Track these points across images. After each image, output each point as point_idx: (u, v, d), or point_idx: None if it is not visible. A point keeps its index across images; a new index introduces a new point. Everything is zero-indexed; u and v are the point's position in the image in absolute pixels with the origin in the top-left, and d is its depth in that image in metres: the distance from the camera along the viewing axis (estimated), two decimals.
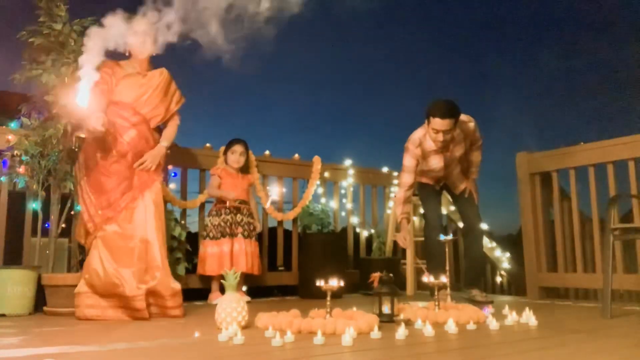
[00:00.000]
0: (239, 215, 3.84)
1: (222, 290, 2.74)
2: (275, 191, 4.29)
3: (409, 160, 3.55)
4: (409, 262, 4.51)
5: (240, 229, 3.80)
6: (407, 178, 3.57)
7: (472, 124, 3.55)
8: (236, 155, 3.94)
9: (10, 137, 3.23)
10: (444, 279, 2.85)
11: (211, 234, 3.80)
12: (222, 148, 4.12)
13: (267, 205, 4.30)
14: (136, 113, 3.03)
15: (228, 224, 3.80)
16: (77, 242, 3.45)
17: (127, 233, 2.87)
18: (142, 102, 3.06)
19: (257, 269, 3.84)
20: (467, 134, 3.54)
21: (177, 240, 3.69)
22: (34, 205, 3.25)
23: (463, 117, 3.49)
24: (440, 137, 3.37)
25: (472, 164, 3.76)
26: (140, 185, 2.98)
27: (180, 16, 2.84)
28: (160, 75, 3.14)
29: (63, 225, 3.27)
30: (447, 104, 3.36)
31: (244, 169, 4.03)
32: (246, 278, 3.81)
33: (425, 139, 3.51)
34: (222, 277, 2.49)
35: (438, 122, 3.33)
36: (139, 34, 2.97)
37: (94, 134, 2.86)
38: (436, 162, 3.56)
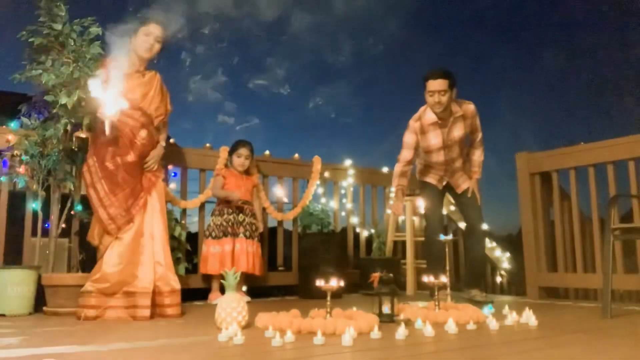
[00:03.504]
0: (241, 215, 3.85)
1: (223, 290, 2.75)
2: (276, 194, 4.25)
3: (408, 137, 3.63)
4: (409, 262, 4.51)
5: (242, 229, 3.81)
6: (406, 154, 3.64)
7: (472, 106, 3.61)
8: (242, 159, 3.96)
9: (10, 137, 3.24)
10: (444, 279, 2.85)
11: (213, 234, 3.82)
12: (222, 148, 4.12)
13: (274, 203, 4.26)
14: (144, 113, 3.07)
15: (230, 223, 3.81)
16: (77, 242, 3.47)
17: (140, 231, 2.94)
18: (148, 101, 3.09)
19: (258, 270, 3.85)
20: (467, 114, 3.58)
21: (177, 240, 3.69)
22: (34, 205, 3.26)
23: (464, 100, 3.61)
24: (436, 98, 3.43)
25: (475, 164, 3.76)
26: (149, 185, 3.06)
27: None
28: (155, 76, 3.18)
29: (63, 225, 3.27)
30: (439, 67, 3.50)
31: (247, 170, 4.05)
32: (247, 278, 3.82)
33: (425, 113, 3.58)
34: (222, 276, 2.49)
35: (431, 84, 3.43)
36: (151, 37, 3.07)
37: (109, 125, 2.85)
38: (435, 139, 3.57)
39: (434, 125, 3.55)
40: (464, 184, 3.74)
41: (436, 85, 3.42)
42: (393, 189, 3.75)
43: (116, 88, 2.82)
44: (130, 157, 2.97)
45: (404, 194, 3.74)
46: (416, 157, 3.77)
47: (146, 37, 3.07)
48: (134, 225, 2.93)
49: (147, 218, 2.99)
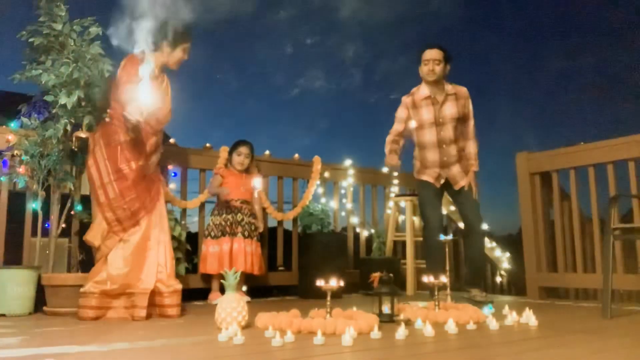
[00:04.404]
0: (239, 214, 3.85)
1: (222, 290, 2.76)
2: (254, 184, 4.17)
3: (399, 111, 3.79)
4: (409, 262, 4.51)
5: (240, 229, 3.81)
6: (396, 126, 3.78)
7: (465, 88, 3.76)
8: (241, 157, 3.97)
9: (10, 137, 3.23)
10: (444, 279, 2.85)
11: (212, 233, 3.82)
12: (223, 148, 4.13)
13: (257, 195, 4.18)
14: (159, 121, 3.09)
15: (228, 223, 3.81)
16: (76, 242, 3.47)
17: (146, 235, 2.95)
18: (163, 107, 3.10)
19: (257, 269, 3.85)
20: (460, 94, 3.72)
21: (177, 240, 3.69)
22: (34, 205, 3.26)
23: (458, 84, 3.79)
24: (430, 66, 3.61)
25: (470, 156, 3.76)
26: (158, 189, 3.09)
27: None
28: (168, 82, 3.21)
29: (63, 225, 3.27)
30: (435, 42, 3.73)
31: (247, 169, 4.05)
32: (246, 278, 3.82)
33: (418, 90, 3.74)
34: (222, 276, 2.49)
35: (427, 53, 3.65)
36: (186, 55, 3.15)
37: (130, 124, 2.85)
38: (427, 114, 3.68)
39: (427, 100, 3.68)
40: (462, 180, 3.72)
41: (432, 53, 3.62)
42: (392, 185, 3.74)
43: (148, 90, 2.83)
44: (142, 162, 2.99)
45: (397, 152, 3.74)
46: (406, 133, 3.80)
47: (183, 54, 3.13)
48: (141, 229, 2.94)
49: (155, 222, 3.00)
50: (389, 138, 3.77)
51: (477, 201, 3.73)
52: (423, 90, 3.70)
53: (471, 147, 3.78)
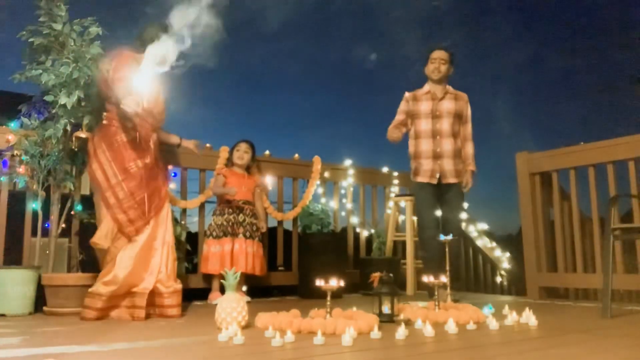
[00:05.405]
0: (241, 215, 3.85)
1: (223, 290, 2.76)
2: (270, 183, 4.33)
3: (401, 105, 4.01)
4: (409, 262, 4.51)
5: (241, 229, 3.81)
6: (398, 117, 4.00)
7: (466, 95, 3.96)
8: (240, 152, 4.01)
9: (10, 137, 3.23)
10: (444, 279, 2.85)
11: (214, 233, 3.82)
12: (222, 148, 4.13)
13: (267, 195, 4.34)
14: (155, 118, 3.10)
15: (230, 223, 3.81)
16: (76, 242, 3.47)
17: (153, 235, 2.96)
18: (158, 106, 3.09)
19: (259, 270, 3.84)
20: (459, 96, 3.92)
21: (177, 240, 3.69)
22: (34, 205, 3.25)
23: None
24: (436, 64, 3.85)
25: (468, 156, 3.88)
26: (167, 190, 3.11)
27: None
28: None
29: (63, 225, 3.27)
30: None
31: (249, 170, 4.06)
32: (247, 278, 3.82)
33: (422, 90, 3.95)
34: (223, 276, 2.49)
35: (435, 52, 3.90)
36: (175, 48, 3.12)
37: (126, 114, 2.84)
38: (425, 106, 3.87)
39: (427, 95, 3.90)
40: (451, 177, 3.76)
41: (439, 53, 3.88)
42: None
43: (141, 79, 2.81)
44: (148, 160, 2.99)
45: (400, 128, 3.92)
46: (403, 125, 3.95)
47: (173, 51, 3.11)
48: (149, 229, 2.93)
49: (162, 223, 3.00)
50: (390, 126, 3.93)
51: (461, 208, 3.84)
52: (425, 87, 3.92)
53: (468, 149, 3.90)
